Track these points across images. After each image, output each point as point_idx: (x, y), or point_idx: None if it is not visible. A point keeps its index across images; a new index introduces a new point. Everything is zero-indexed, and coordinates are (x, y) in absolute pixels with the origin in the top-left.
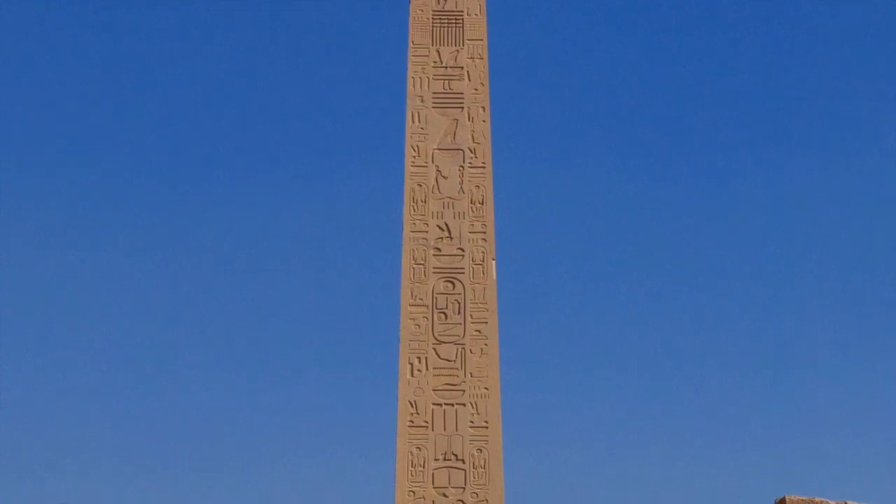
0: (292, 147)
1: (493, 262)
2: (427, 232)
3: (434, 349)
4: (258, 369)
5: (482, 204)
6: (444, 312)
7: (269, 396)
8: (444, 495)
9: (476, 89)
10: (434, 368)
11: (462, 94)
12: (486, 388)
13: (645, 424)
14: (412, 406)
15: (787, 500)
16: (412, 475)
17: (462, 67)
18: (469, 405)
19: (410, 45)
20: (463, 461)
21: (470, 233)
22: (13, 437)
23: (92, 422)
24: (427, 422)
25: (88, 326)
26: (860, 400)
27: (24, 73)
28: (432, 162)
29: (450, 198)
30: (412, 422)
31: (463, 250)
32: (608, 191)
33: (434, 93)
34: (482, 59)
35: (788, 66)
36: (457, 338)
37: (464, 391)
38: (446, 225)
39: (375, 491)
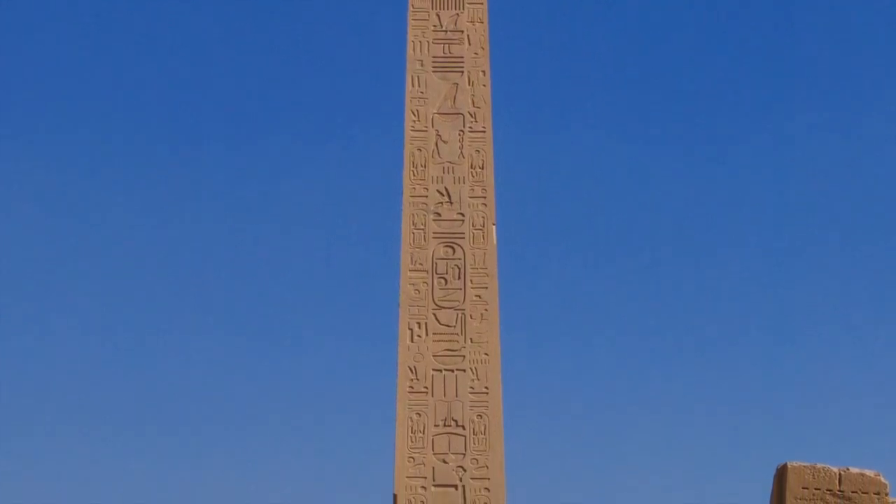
0: (292, 112)
1: (494, 227)
2: (427, 197)
3: (434, 314)
4: (258, 334)
5: (482, 168)
6: (444, 278)
7: (268, 362)
8: (444, 461)
9: (476, 53)
10: (434, 334)
11: (462, 58)
12: (486, 354)
13: (645, 390)
14: (412, 372)
15: (789, 466)
16: (412, 441)
17: (462, 31)
18: (469, 371)
19: (410, 8)
20: (463, 427)
21: (470, 197)
22: (7, 401)
23: (87, 386)
24: (427, 388)
25: (83, 287)
26: (862, 366)
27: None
28: (432, 126)
29: (450, 162)
30: (412, 388)
31: (463, 215)
32: (609, 155)
33: (434, 57)
34: (482, 22)
35: (789, 27)
36: (457, 303)
37: (464, 357)
38: (446, 190)
39: (375, 457)
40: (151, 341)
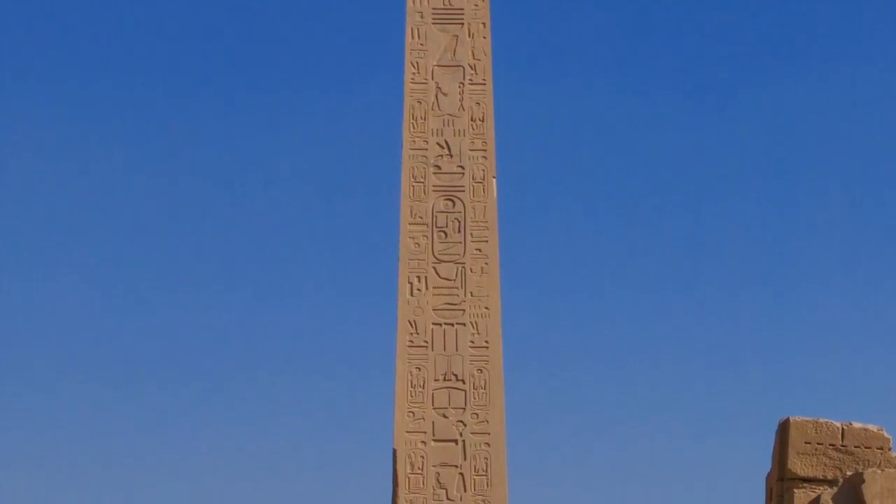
0: (291, 65)
1: (494, 180)
2: (427, 150)
3: (434, 268)
4: (258, 290)
5: (482, 121)
6: (443, 231)
7: (268, 317)
8: (444, 416)
9: (476, 5)
10: (434, 288)
11: (462, 9)
12: (486, 308)
13: (646, 345)
14: (412, 326)
15: (791, 421)
16: (412, 396)
17: None
18: (469, 325)
19: None
20: (463, 381)
21: (470, 150)
22: (8, 358)
23: (88, 339)
24: (427, 342)
25: (85, 245)
26: (865, 320)
27: None
28: (432, 79)
29: (450, 115)
30: (412, 342)
31: (463, 168)
32: (609, 107)
33: (434, 9)
34: None
35: None
36: (457, 257)
37: (464, 311)
38: (446, 142)
39: (375, 411)
40: (151, 295)
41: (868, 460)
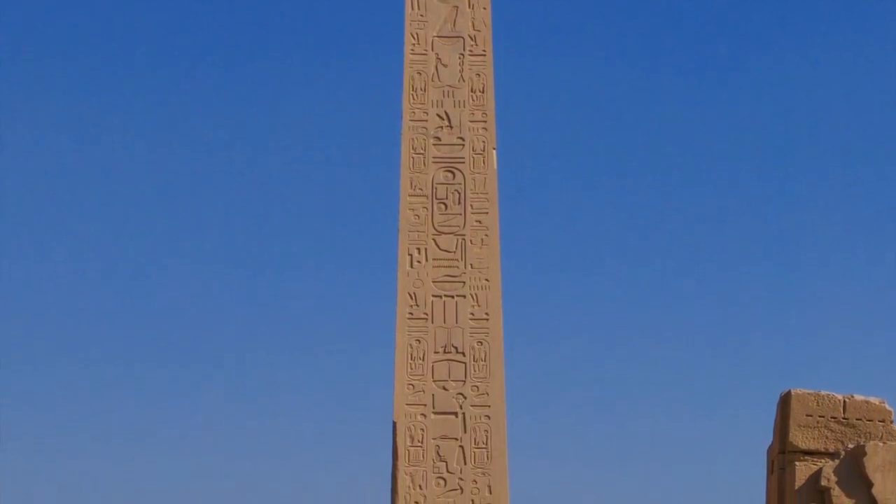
0: (291, 37)
1: (494, 152)
2: (427, 121)
3: (434, 240)
4: (256, 261)
5: (482, 92)
6: (443, 203)
7: (267, 289)
8: (444, 388)
9: None
10: (434, 260)
11: None
12: (486, 280)
13: (647, 317)
14: (412, 298)
15: (793, 393)
16: (411, 368)
17: None
18: (469, 297)
19: None
20: (463, 354)
21: (470, 122)
22: (8, 334)
23: (87, 322)
24: (427, 314)
25: (81, 223)
26: (867, 292)
27: None
28: (432, 50)
29: (450, 86)
30: (411, 314)
31: (463, 139)
32: (609, 78)
33: None
34: None
35: None
36: (457, 228)
37: (464, 283)
38: (446, 114)
39: (374, 384)
40: (149, 270)
41: (870, 433)
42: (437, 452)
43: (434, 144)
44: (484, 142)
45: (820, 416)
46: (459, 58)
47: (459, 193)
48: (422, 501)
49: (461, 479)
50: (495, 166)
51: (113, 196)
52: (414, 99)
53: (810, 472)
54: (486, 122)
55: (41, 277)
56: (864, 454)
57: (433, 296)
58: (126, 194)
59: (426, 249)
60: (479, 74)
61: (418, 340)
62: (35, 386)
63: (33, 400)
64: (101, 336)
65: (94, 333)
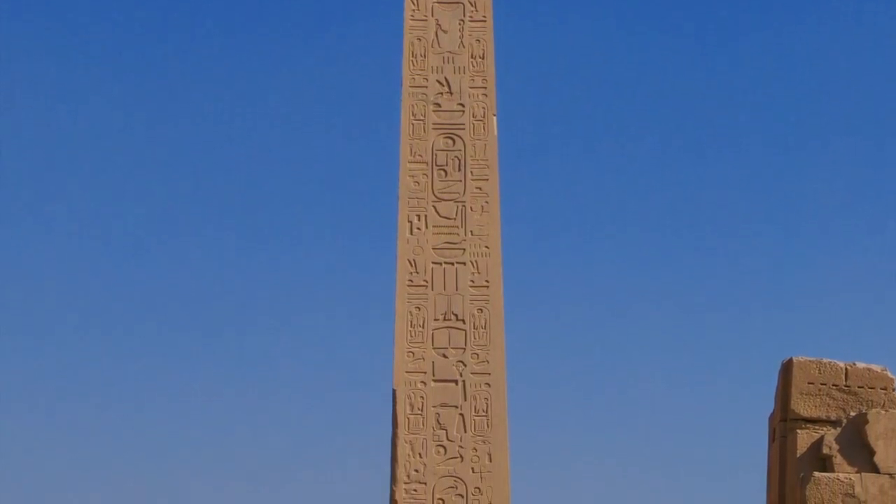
0: (288, 1)
1: (494, 118)
2: (426, 87)
3: (434, 207)
4: (256, 227)
5: (483, 58)
6: (443, 169)
7: (266, 256)
8: (444, 356)
9: None
10: (434, 227)
11: None
12: (486, 247)
13: (648, 284)
14: (411, 265)
15: (795, 361)
16: (411, 336)
17: None
18: (469, 264)
19: None
20: (463, 321)
21: (470, 88)
22: (7, 297)
23: (85, 283)
24: (427, 281)
25: (79, 182)
26: (869, 259)
27: None
28: (432, 15)
29: (450, 52)
30: (411, 281)
31: (463, 106)
32: (610, 44)
33: None
34: None
35: None
36: (457, 195)
37: (464, 250)
38: (446, 80)
39: (374, 352)
40: (149, 237)
41: (872, 401)
42: (437, 420)
43: (434, 111)
44: (484, 108)
45: (822, 384)
46: (459, 24)
47: (459, 160)
48: (422, 469)
49: (461, 447)
50: (495, 133)
51: (110, 157)
52: (414, 65)
53: (812, 440)
54: (486, 88)
55: (37, 240)
56: (866, 422)
57: (433, 263)
58: (124, 159)
59: (426, 216)
60: (479, 40)
61: (418, 308)
62: (30, 349)
63: (30, 364)
64: (97, 298)
65: (90, 295)
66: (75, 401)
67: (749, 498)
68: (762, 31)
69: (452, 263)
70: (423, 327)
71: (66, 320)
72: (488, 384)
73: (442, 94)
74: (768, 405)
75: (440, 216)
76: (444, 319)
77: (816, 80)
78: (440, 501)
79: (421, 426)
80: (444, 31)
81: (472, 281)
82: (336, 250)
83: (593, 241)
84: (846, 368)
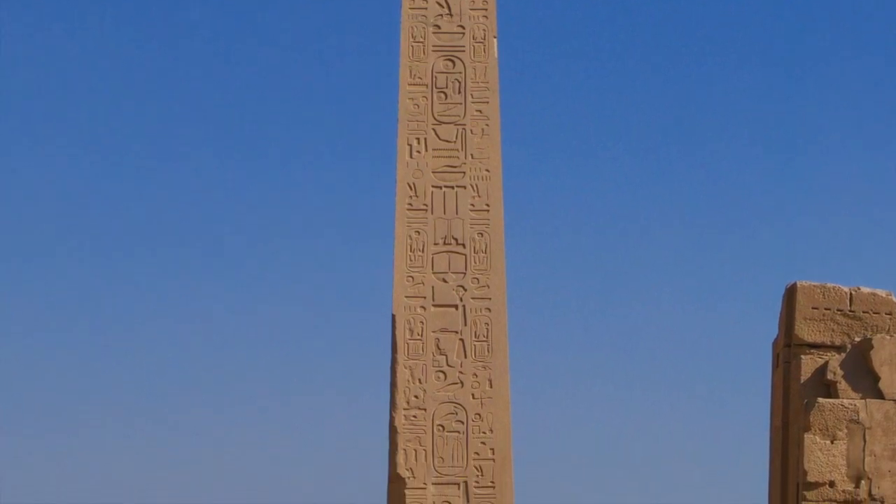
0: None
1: (495, 40)
2: (426, 9)
3: (434, 130)
4: (254, 151)
5: None
6: (443, 92)
7: (264, 179)
8: (444, 280)
9: None
10: (434, 150)
11: None
12: (487, 170)
13: (650, 208)
14: (411, 189)
15: (798, 286)
16: (411, 260)
17: None
18: (470, 187)
19: None
20: (463, 245)
21: (470, 9)
22: (8, 216)
23: (83, 206)
24: (426, 205)
25: (77, 106)
26: (874, 181)
27: None
28: None
29: None
30: (411, 205)
31: (463, 28)
32: None
33: None
34: None
35: None
36: (457, 118)
37: (464, 173)
38: (446, 2)
39: (374, 277)
40: (146, 158)
41: (877, 326)
42: (437, 345)
43: (434, 33)
44: (484, 30)
45: (826, 309)
46: None
47: (459, 83)
48: (421, 395)
49: (461, 372)
50: (496, 55)
51: (107, 82)
52: None
53: (816, 366)
54: (486, 9)
55: (33, 163)
56: (871, 347)
57: (433, 186)
58: (122, 84)
59: (426, 139)
60: None
61: (418, 232)
62: (29, 273)
63: (28, 289)
64: (96, 221)
65: (89, 218)
66: (68, 324)
67: (753, 423)
68: None
69: (452, 187)
70: (422, 252)
71: (61, 246)
72: (489, 309)
73: (442, 15)
74: (772, 330)
75: (440, 139)
76: (444, 244)
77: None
78: (440, 427)
79: (420, 352)
80: None
81: (473, 205)
82: (335, 174)
83: (595, 165)
84: (851, 293)
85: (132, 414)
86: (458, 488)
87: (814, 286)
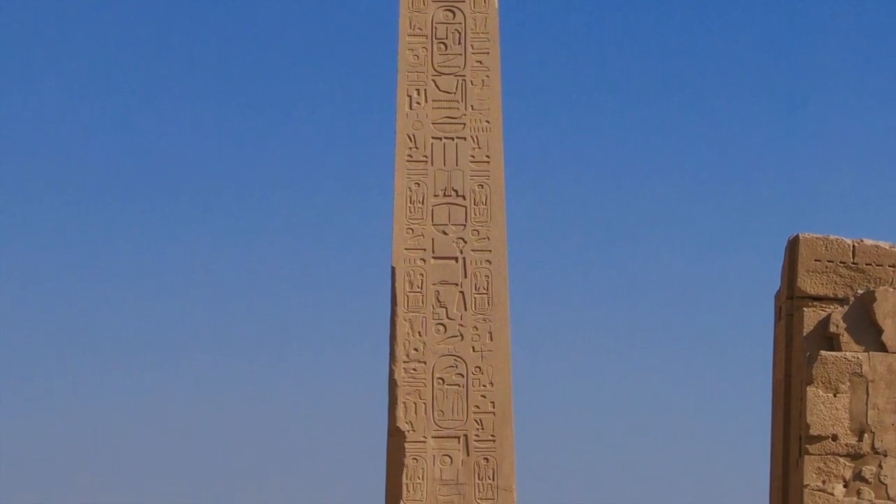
0: None
1: None
2: None
3: (434, 81)
4: (250, 103)
5: None
6: (443, 43)
7: (261, 130)
8: (444, 233)
9: None
10: (434, 101)
11: None
12: (487, 122)
13: (651, 159)
14: (411, 140)
15: (801, 238)
16: (410, 212)
17: None
18: (470, 139)
19: None
20: (463, 197)
21: None
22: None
23: (73, 155)
24: (426, 156)
25: (69, 51)
26: (878, 132)
27: None
28: None
29: None
30: (411, 156)
31: None
32: None
33: None
34: None
35: None
36: (457, 69)
37: (464, 124)
38: None
39: (373, 229)
40: (146, 108)
41: (880, 278)
42: (437, 298)
43: None
44: None
45: (829, 261)
46: None
47: (460, 33)
48: (421, 348)
49: (461, 325)
50: (496, 5)
51: (101, 28)
52: None
53: (819, 318)
54: None
55: (23, 109)
56: (874, 300)
57: (433, 138)
58: (117, 31)
59: (425, 91)
60: None
61: (417, 184)
62: (14, 224)
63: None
64: (87, 171)
65: (79, 166)
66: (55, 276)
67: (755, 376)
68: None
69: (452, 138)
70: (422, 203)
71: (49, 194)
72: (489, 261)
73: None
74: (774, 283)
75: (440, 90)
76: (444, 195)
77: None
78: (440, 380)
79: (420, 304)
80: None
81: (473, 156)
82: (334, 126)
83: (595, 116)
84: (853, 245)
85: (133, 354)
86: (458, 442)
87: (816, 238)
